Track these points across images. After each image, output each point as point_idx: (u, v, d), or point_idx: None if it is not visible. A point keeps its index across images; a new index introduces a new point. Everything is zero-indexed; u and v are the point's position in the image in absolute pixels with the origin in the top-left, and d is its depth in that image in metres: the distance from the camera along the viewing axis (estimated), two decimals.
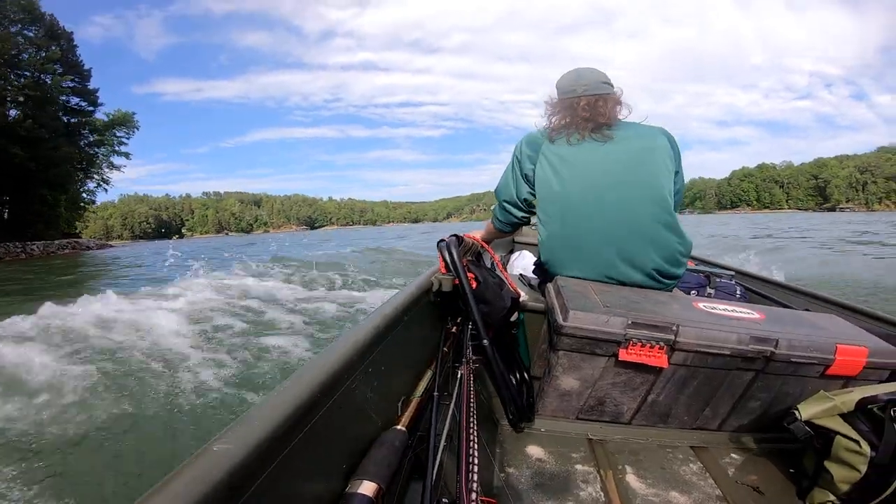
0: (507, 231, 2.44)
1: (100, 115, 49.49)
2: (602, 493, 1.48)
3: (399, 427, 1.26)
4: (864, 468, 1.36)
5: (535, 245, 3.94)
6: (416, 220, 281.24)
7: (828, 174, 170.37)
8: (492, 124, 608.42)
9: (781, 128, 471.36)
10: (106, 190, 52.27)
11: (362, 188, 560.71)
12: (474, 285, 1.88)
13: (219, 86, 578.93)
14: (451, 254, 1.91)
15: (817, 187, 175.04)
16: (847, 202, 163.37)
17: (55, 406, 3.62)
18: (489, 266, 2.37)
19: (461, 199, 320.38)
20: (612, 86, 2.15)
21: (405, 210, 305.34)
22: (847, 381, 1.67)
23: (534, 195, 2.16)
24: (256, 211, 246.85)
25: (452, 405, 1.40)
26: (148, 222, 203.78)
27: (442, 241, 2.03)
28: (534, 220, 2.25)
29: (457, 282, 1.89)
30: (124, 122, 50.86)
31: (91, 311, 6.50)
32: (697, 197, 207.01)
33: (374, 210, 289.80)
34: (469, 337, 1.83)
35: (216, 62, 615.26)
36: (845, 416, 1.45)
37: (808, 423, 1.51)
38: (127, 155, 52.18)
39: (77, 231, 50.13)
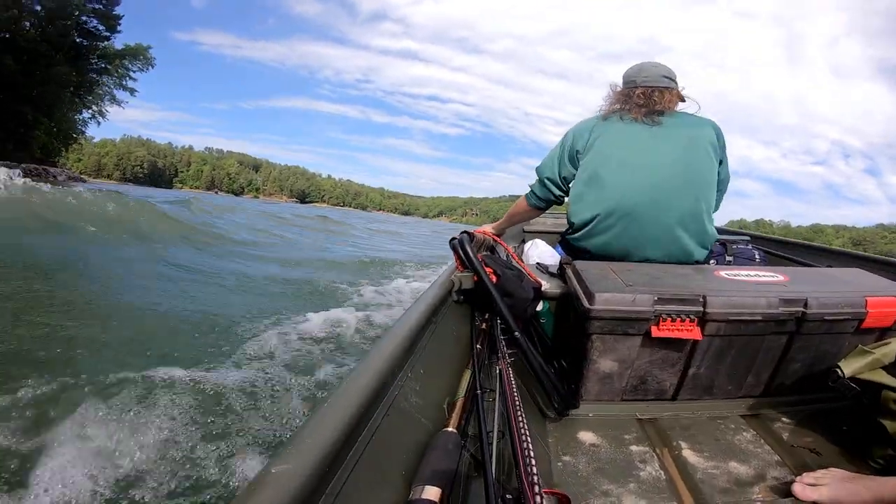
0: (542, 208, 2.51)
1: (118, 45, 45.56)
2: (662, 472, 1.47)
3: (449, 429, 1.24)
4: None
5: (548, 233, 4.19)
6: (406, 213, 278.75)
7: (822, 241, 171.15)
8: (510, 133, 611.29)
9: (788, 188, 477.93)
10: (99, 123, 48.40)
11: (365, 172, 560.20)
12: (494, 279, 1.88)
13: (258, 46, 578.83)
14: (465, 250, 1.95)
15: None
16: None
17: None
18: (504, 258, 2.27)
19: (457, 199, 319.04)
20: (674, 81, 2.23)
21: (399, 201, 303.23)
22: (882, 332, 1.69)
23: (575, 173, 2.26)
24: (253, 175, 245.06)
25: (497, 401, 1.42)
26: (141, 167, 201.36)
27: (454, 239, 2.08)
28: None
29: (476, 278, 1.91)
30: (136, 54, 46.31)
31: None
32: None
33: (369, 196, 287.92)
34: (500, 331, 1.81)
35: (264, 23, 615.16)
36: (888, 368, 1.46)
37: (852, 379, 1.49)
38: (132, 91, 48.39)
39: (56, 160, 47.29)
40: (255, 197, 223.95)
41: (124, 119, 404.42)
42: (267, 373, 4.23)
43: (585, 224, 2.14)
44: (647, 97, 2.16)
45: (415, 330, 1.36)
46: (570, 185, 2.30)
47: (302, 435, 0.76)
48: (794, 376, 1.79)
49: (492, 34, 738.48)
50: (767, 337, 1.68)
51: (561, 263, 2.13)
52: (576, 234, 2.20)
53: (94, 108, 46.92)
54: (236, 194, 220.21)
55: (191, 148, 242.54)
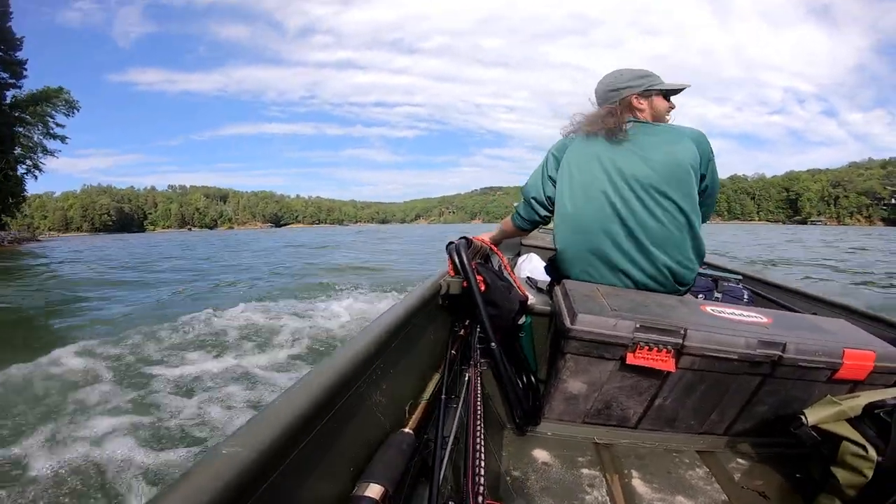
0: (527, 229, 2.48)
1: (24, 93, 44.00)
2: (608, 498, 1.49)
3: (406, 430, 1.26)
4: (870, 473, 1.36)
5: (543, 248, 4.45)
6: (383, 221, 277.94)
7: (799, 187, 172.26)
8: (465, 127, 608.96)
9: (752, 141, 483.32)
10: (36, 178, 46.84)
11: (333, 187, 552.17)
12: (483, 288, 1.89)
13: (195, 78, 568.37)
14: (460, 256, 1.93)
15: (788, 200, 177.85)
16: (819, 215, 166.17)
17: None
18: (497, 268, 2.29)
19: (431, 200, 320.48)
20: (645, 78, 2.16)
21: (373, 210, 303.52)
22: (854, 385, 1.70)
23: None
24: (222, 206, 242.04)
25: (460, 408, 1.46)
26: (109, 214, 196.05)
27: (451, 243, 2.06)
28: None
29: (465, 284, 1.91)
30: (48, 98, 44.97)
31: None
32: None
33: (342, 210, 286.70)
34: (477, 340, 1.83)
35: (194, 54, 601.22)
36: (852, 421, 1.46)
37: (814, 427, 1.51)
38: (63, 138, 46.86)
39: (3, 223, 45.03)
40: (230, 228, 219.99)
41: (82, 169, 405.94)
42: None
43: (569, 248, 2.14)
44: (620, 113, 2.10)
45: (390, 328, 1.36)
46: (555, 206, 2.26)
47: (256, 419, 0.78)
48: (758, 418, 1.80)
49: (423, 32, 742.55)
50: (740, 376, 1.69)
51: (551, 281, 2.22)
52: (561, 257, 2.19)
53: (29, 161, 44.57)
54: (210, 228, 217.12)
55: (153, 188, 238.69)
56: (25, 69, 43.13)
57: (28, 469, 2.92)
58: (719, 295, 2.85)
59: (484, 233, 2.69)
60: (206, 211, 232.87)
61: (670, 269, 2.02)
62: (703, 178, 2.08)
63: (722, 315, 1.80)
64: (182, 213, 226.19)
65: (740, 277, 3.14)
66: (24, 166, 45.15)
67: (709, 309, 1.84)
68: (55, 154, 47.33)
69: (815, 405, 1.56)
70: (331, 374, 0.98)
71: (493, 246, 2.60)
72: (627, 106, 2.12)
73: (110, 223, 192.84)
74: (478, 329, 1.85)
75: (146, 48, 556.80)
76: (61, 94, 46.36)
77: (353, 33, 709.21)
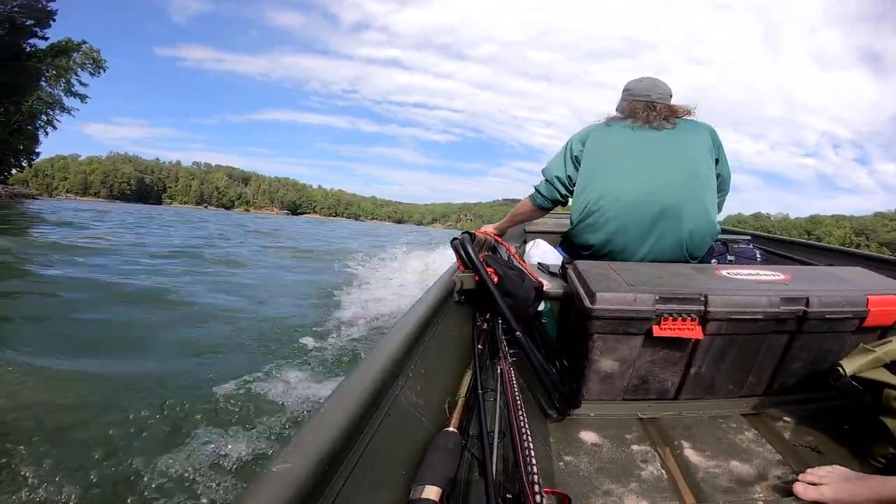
0: (547, 207, 2.54)
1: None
2: (663, 471, 1.48)
3: (450, 429, 1.27)
4: None
5: (549, 232, 4.51)
6: (399, 221, 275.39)
7: (822, 231, 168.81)
8: (499, 137, 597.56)
9: (780, 181, 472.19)
10: (47, 133, 45.78)
11: (357, 181, 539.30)
12: (495, 280, 1.91)
13: (242, 60, 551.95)
14: (466, 251, 1.97)
15: None
16: None
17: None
18: (506, 259, 2.31)
19: (452, 205, 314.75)
20: (672, 97, 2.40)
21: (392, 209, 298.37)
22: (884, 331, 1.70)
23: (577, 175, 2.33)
24: (242, 188, 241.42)
25: (498, 401, 1.46)
26: (129, 183, 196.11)
27: (455, 239, 2.09)
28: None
29: (478, 278, 1.93)
30: (67, 50, 43.27)
31: None
32: None
33: (360, 205, 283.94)
34: (501, 331, 1.84)
35: (245, 36, 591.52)
36: (890, 367, 1.46)
37: (853, 377, 1.50)
38: (83, 97, 45.75)
39: (4, 178, 44.41)
40: (247, 210, 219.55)
41: (114, 137, 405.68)
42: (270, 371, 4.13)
43: (586, 217, 2.20)
44: (658, 111, 2.28)
45: (416, 330, 1.38)
46: (576, 185, 2.35)
47: (302, 434, 0.78)
48: (796, 375, 1.80)
49: (474, 39, 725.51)
50: (769, 336, 1.69)
51: (563, 263, 2.17)
52: (576, 229, 2.26)
53: (44, 117, 44.09)
54: (227, 208, 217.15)
55: (179, 163, 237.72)
56: (54, 19, 40.91)
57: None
58: (732, 257, 2.88)
59: (486, 225, 2.73)
60: (225, 191, 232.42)
61: (688, 244, 2.12)
62: (717, 162, 2.26)
63: (739, 277, 1.80)
64: (202, 190, 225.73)
65: (749, 238, 3.08)
66: (38, 121, 44.37)
67: (725, 272, 1.84)
68: (72, 112, 46.45)
69: (850, 355, 1.55)
70: (367, 381, 0.99)
71: (496, 237, 2.63)
72: (680, 111, 2.33)
73: (129, 192, 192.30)
74: (499, 321, 1.86)
75: (199, 25, 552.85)
76: (81, 49, 44.83)
77: (405, 33, 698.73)
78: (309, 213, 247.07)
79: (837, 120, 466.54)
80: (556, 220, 4.85)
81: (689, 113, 2.34)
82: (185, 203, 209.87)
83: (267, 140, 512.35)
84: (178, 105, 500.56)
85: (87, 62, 45.44)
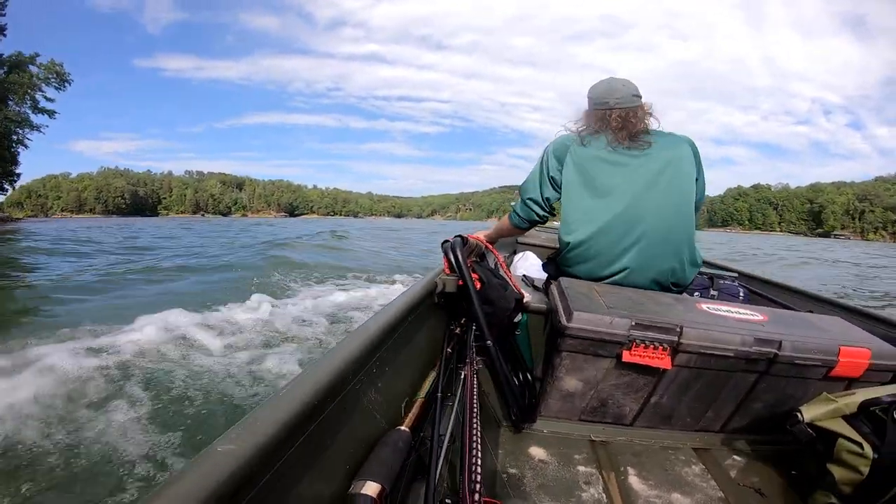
0: (524, 228, 2.52)
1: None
2: (604, 495, 1.50)
3: (403, 428, 1.27)
4: (866, 470, 1.38)
5: (540, 246, 4.46)
6: (399, 215, 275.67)
7: (824, 199, 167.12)
8: (489, 125, 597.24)
9: (775, 151, 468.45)
10: (18, 153, 44.92)
11: (351, 179, 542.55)
12: (478, 286, 1.91)
13: (222, 66, 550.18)
14: (455, 255, 1.95)
15: (811, 212, 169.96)
16: (842, 229, 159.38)
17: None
18: (493, 267, 2.30)
19: (449, 196, 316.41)
20: (640, 98, 2.26)
21: (389, 204, 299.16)
22: (850, 382, 1.72)
23: (558, 196, 2.27)
24: (237, 194, 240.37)
25: (456, 406, 1.47)
26: (123, 197, 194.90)
27: (447, 241, 2.08)
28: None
29: (461, 283, 1.93)
30: (20, 65, 42.22)
31: None
32: None
33: (358, 202, 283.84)
34: (473, 338, 1.84)
35: (222, 42, 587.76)
36: (847, 418, 1.48)
37: (810, 424, 1.53)
38: (51, 113, 44.77)
39: None
40: (244, 216, 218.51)
41: (104, 152, 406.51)
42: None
43: (572, 250, 2.16)
44: (623, 119, 2.18)
45: (386, 327, 1.38)
46: (560, 206, 2.30)
47: (251, 418, 0.78)
48: (754, 415, 1.81)
49: (452, 28, 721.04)
50: (736, 374, 1.70)
51: (547, 279, 2.23)
52: (566, 257, 2.22)
53: (15, 137, 42.74)
54: (224, 214, 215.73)
55: (170, 173, 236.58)
56: (4, 34, 40.82)
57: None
58: (715, 293, 2.86)
59: (480, 231, 2.71)
60: (220, 198, 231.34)
61: (674, 274, 2.08)
62: (697, 180, 2.18)
63: (718, 313, 1.81)
64: (197, 198, 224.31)
65: (736, 275, 3.12)
66: (10, 141, 43.08)
67: (704, 307, 1.85)
68: (41, 129, 45.28)
69: (811, 402, 1.58)
70: (327, 372, 0.99)
71: (488, 244, 2.60)
72: (641, 112, 2.21)
73: (124, 206, 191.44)
74: (473, 327, 1.84)
75: (175, 35, 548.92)
76: (36, 62, 43.76)
77: (383, 27, 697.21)
78: (307, 213, 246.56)
79: (827, 86, 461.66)
80: (549, 235, 4.83)
81: (648, 115, 2.24)
82: (182, 213, 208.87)
83: (255, 144, 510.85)
84: (164, 115, 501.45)
85: (50, 76, 44.19)
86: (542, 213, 2.34)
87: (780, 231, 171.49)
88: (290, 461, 0.80)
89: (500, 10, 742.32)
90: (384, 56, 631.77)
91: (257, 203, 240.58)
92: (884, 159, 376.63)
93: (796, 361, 1.65)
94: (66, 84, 45.63)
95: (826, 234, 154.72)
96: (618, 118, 2.17)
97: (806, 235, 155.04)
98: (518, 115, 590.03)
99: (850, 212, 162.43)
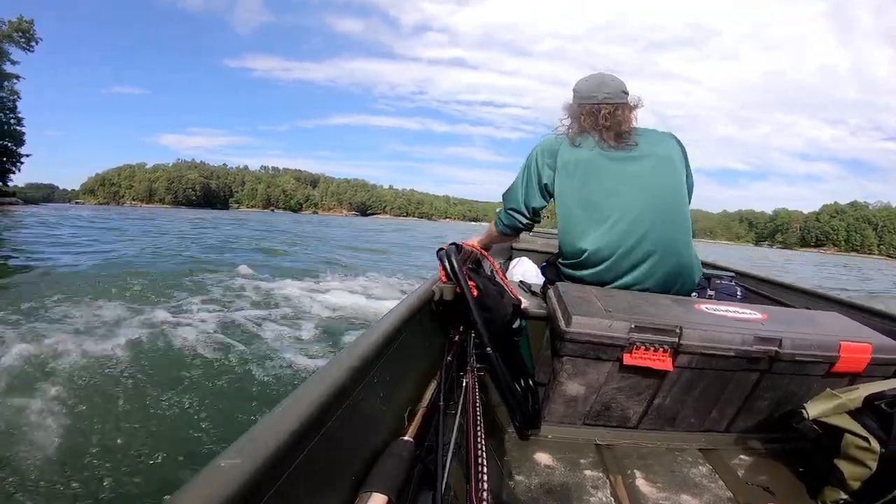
0: (510, 235, 2.48)
1: None
2: (612, 499, 1.50)
3: (406, 438, 1.27)
4: (873, 464, 1.38)
5: (535, 251, 4.36)
6: (474, 219, 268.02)
7: None
8: None
9: (862, 168, 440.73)
10: (21, 131, 41.42)
11: (430, 182, 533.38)
12: (475, 293, 1.89)
13: (307, 67, 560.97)
14: (451, 262, 1.93)
15: None
16: None
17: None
18: (489, 273, 2.29)
19: None
20: (628, 94, 2.20)
21: (465, 207, 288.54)
22: (852, 378, 1.70)
23: (545, 204, 2.24)
24: (310, 190, 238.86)
25: (458, 414, 1.46)
26: (193, 189, 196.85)
27: (441, 249, 2.06)
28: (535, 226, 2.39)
29: (458, 290, 1.91)
30: None
31: None
32: (778, 229, 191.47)
33: (433, 204, 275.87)
34: (472, 345, 1.83)
35: (308, 44, 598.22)
36: (853, 414, 1.48)
37: (815, 421, 1.53)
38: (15, 77, 42.20)
39: None
40: (315, 212, 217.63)
41: (189, 146, 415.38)
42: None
43: (579, 255, 2.11)
44: (612, 116, 2.12)
45: (386, 336, 1.38)
46: (556, 211, 2.25)
47: (254, 431, 0.78)
48: (759, 414, 1.80)
49: (536, 35, 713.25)
50: (738, 373, 1.69)
51: (545, 284, 2.23)
52: (569, 263, 2.17)
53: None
54: (294, 211, 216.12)
55: (246, 168, 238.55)
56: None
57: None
58: (712, 292, 2.82)
59: (473, 238, 2.67)
60: (292, 194, 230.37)
61: (682, 275, 2.05)
62: (686, 175, 2.13)
63: (717, 312, 1.80)
64: (268, 193, 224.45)
65: (733, 275, 3.11)
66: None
67: (703, 307, 1.84)
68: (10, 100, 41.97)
69: (815, 399, 1.57)
70: (328, 384, 0.99)
71: (482, 251, 2.58)
72: (628, 110, 2.15)
73: (194, 198, 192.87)
74: (472, 335, 1.83)
75: (263, 37, 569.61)
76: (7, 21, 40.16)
77: (467, 32, 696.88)
78: (379, 213, 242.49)
79: None
80: (545, 241, 4.80)
81: (634, 110, 2.18)
82: (252, 207, 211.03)
83: (337, 144, 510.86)
84: (252, 114, 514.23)
85: (15, 34, 39.97)
86: (525, 221, 2.29)
87: (879, 254, 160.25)
88: (294, 475, 0.80)
89: (585, 18, 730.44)
90: (467, 61, 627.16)
91: (329, 200, 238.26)
92: None
93: (797, 359, 1.64)
94: (34, 42, 42.64)
95: None
96: (607, 115, 2.09)
97: None
98: None
99: None
